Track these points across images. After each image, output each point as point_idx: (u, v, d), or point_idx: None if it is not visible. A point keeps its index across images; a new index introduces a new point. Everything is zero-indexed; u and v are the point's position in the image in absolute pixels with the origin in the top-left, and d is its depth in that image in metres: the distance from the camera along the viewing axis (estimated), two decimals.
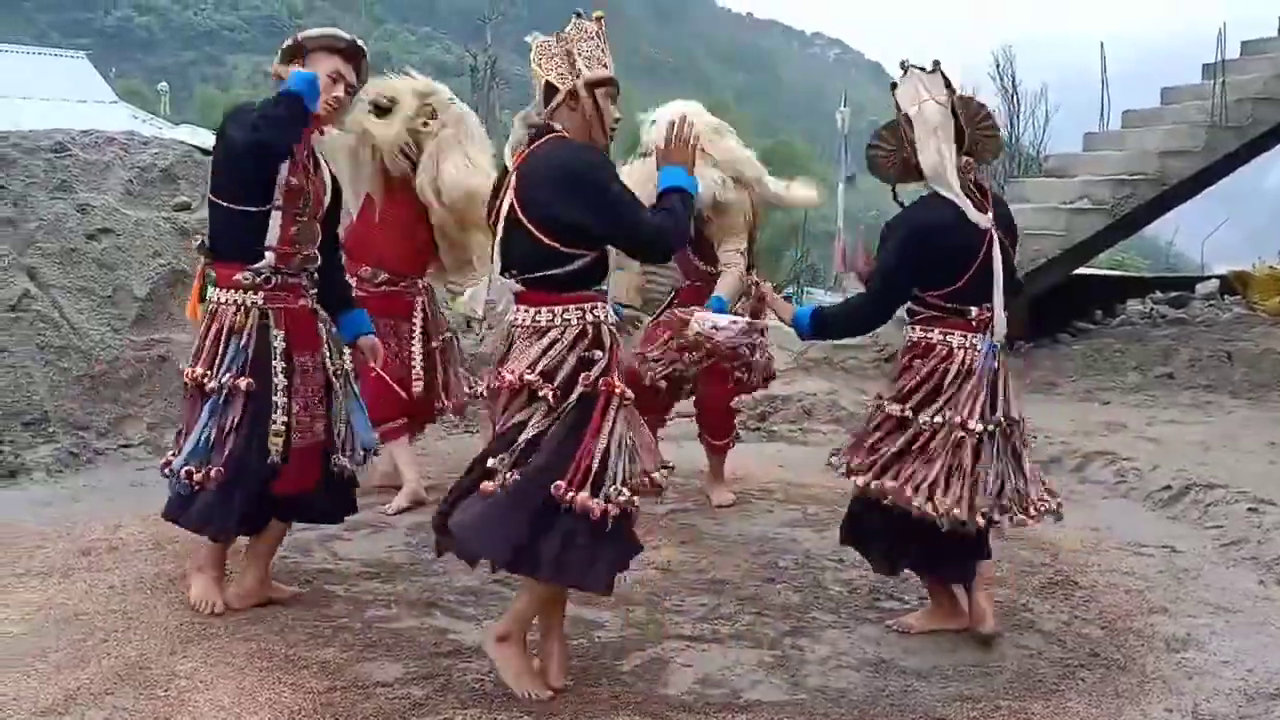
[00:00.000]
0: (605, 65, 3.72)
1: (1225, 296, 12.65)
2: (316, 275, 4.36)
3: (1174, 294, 12.79)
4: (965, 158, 4.19)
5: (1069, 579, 4.98)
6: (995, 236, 4.15)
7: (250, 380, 4.12)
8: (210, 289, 4.24)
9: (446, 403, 6.10)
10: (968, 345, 4.15)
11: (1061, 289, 11.12)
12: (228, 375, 4.12)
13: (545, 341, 3.62)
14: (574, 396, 3.57)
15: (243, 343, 4.15)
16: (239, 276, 4.16)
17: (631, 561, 3.81)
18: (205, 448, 4.10)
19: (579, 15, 3.75)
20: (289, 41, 4.31)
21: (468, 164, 5.84)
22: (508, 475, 3.53)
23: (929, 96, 4.16)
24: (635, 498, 3.60)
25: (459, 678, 3.82)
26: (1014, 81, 20.39)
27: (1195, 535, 5.66)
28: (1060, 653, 4.18)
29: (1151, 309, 12.31)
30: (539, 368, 3.58)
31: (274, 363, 4.16)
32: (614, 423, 3.61)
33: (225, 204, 4.18)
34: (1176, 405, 8.62)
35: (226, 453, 4.10)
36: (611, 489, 3.52)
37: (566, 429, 3.57)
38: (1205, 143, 10.70)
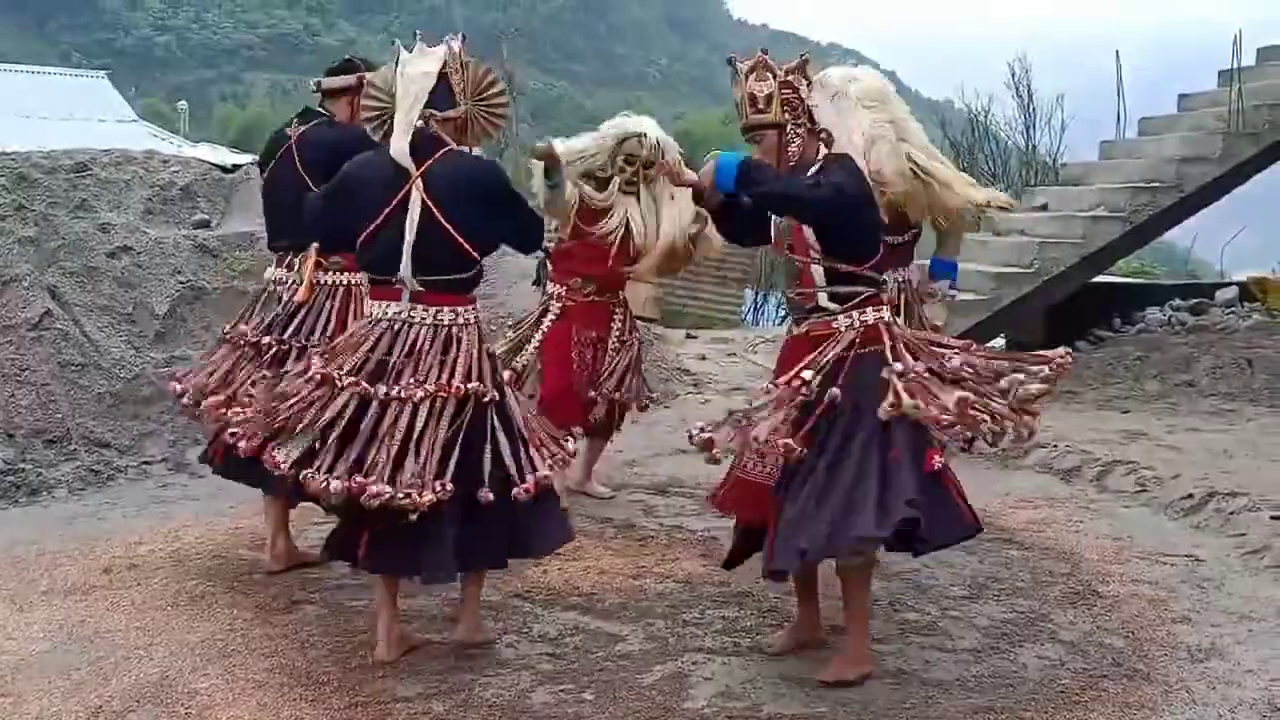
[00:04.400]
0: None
1: (1245, 303, 12.57)
2: None
3: (1193, 301, 12.70)
4: None
5: (1090, 588, 4.95)
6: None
7: None
8: None
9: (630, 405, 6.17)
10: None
11: (1079, 297, 11.06)
12: None
13: None
14: None
15: None
16: None
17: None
18: None
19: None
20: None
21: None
22: None
23: None
24: None
25: (480, 693, 3.82)
26: (1030, 90, 20.32)
27: (1218, 544, 5.61)
28: (1083, 663, 4.15)
29: (1171, 316, 12.23)
30: None
31: None
32: None
33: None
34: (1197, 413, 8.56)
35: None
36: None
37: None
38: (1222, 149, 10.65)
